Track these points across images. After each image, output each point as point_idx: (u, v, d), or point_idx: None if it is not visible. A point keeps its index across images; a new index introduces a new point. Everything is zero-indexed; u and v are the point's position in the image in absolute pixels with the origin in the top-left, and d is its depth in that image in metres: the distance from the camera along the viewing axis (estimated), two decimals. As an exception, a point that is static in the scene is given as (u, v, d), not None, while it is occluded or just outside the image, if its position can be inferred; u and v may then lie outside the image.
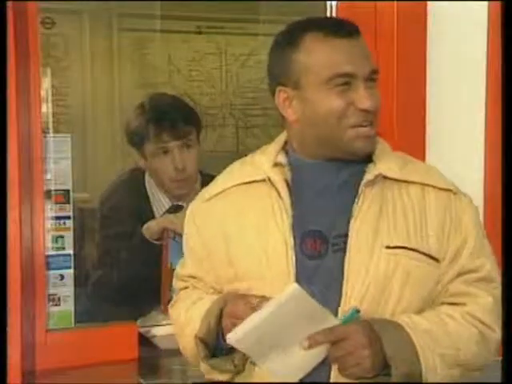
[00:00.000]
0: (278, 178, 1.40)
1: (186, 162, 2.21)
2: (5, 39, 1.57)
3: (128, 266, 2.21)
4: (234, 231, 1.41)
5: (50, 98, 1.92)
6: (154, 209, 2.29)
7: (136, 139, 2.26)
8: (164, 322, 2.10)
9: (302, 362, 1.30)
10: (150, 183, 2.30)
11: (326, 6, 2.09)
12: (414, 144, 1.93)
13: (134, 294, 2.15)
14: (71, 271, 1.90)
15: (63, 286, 1.88)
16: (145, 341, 2.01)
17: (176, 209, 2.28)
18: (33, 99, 1.77)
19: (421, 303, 1.37)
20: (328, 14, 2.08)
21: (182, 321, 1.47)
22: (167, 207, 2.29)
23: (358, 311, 1.31)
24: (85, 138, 4.03)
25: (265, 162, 1.43)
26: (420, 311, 1.37)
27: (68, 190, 1.89)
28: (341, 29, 1.36)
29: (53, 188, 1.87)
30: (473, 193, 1.49)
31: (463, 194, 1.45)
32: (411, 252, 1.36)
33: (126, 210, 2.27)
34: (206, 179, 2.34)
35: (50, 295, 1.86)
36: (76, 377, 1.80)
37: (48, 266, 1.85)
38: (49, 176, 1.86)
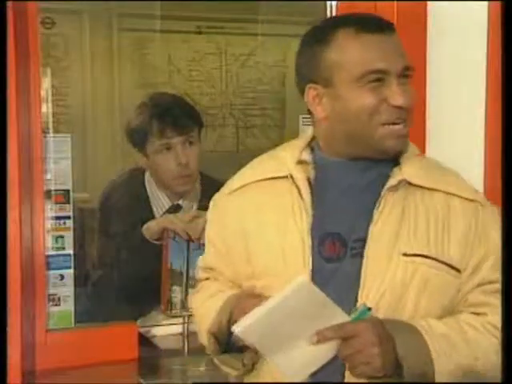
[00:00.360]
0: (300, 175, 1.39)
1: (189, 158, 2.22)
2: (5, 39, 1.57)
3: (128, 266, 2.22)
4: (252, 228, 1.40)
5: (50, 97, 1.92)
6: (154, 209, 2.30)
7: (138, 137, 2.26)
8: (164, 322, 2.10)
9: (311, 358, 1.29)
10: (149, 183, 2.30)
11: (325, 5, 2.09)
12: (414, 142, 1.93)
13: (134, 294, 2.15)
14: (71, 271, 1.89)
15: (63, 286, 1.88)
16: (145, 341, 2.01)
17: (176, 209, 2.29)
18: (33, 99, 1.77)
19: (440, 311, 1.35)
20: (328, 14, 2.08)
21: (200, 312, 1.48)
22: (167, 207, 2.29)
23: (369, 309, 1.30)
24: (85, 138, 4.03)
25: (289, 158, 1.42)
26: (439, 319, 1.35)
27: (68, 190, 1.90)
28: (372, 24, 1.34)
29: (53, 188, 1.87)
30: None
31: (491, 206, 1.42)
32: (430, 260, 1.34)
33: (126, 209, 2.27)
34: (206, 180, 2.36)
35: (49, 295, 1.86)
36: (76, 377, 1.80)
37: (48, 266, 1.85)
38: (49, 176, 1.86)
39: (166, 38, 4.33)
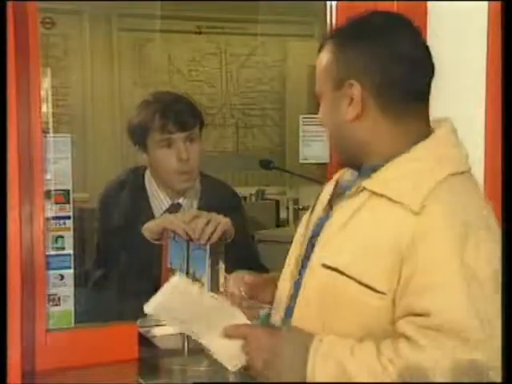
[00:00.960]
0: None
1: (190, 154, 2.22)
2: (5, 39, 1.56)
3: (128, 266, 2.21)
4: None
5: (49, 97, 1.91)
6: (154, 208, 2.29)
7: (139, 133, 2.26)
8: (164, 322, 2.09)
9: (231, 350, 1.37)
10: (150, 182, 2.30)
11: (325, 5, 2.09)
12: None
13: (134, 294, 2.14)
14: (71, 271, 1.89)
15: (63, 286, 1.88)
16: (145, 341, 2.01)
17: (176, 207, 2.29)
18: (33, 99, 1.77)
19: (359, 332, 1.27)
20: (328, 14, 2.07)
21: None
22: (167, 206, 2.29)
23: (267, 315, 1.42)
24: (85, 138, 4.04)
25: None
26: (360, 339, 1.27)
27: (68, 190, 1.89)
28: None
29: (53, 188, 1.86)
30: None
31: (437, 214, 1.23)
32: (345, 277, 1.28)
33: (125, 209, 2.27)
34: (206, 179, 2.36)
35: (50, 295, 1.86)
36: (76, 377, 1.79)
37: (48, 266, 1.84)
38: (49, 176, 1.85)
39: (166, 38, 4.34)
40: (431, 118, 1.44)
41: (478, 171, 2.08)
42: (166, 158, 2.22)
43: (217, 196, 2.37)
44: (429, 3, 2.01)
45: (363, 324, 1.28)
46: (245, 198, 4.09)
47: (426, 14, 2.01)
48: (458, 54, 2.08)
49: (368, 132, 1.35)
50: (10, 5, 1.59)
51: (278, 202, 4.37)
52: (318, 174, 2.55)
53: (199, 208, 2.30)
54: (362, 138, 1.36)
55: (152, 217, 2.25)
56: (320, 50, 1.42)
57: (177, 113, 2.23)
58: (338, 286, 1.29)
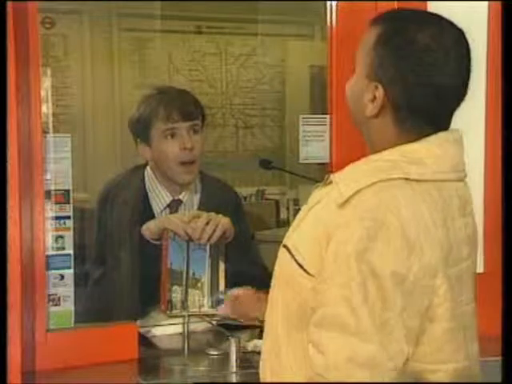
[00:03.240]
0: None
1: (194, 144, 2.24)
2: (5, 39, 1.57)
3: (128, 266, 2.21)
4: None
5: (49, 98, 1.91)
6: (154, 205, 2.30)
7: (143, 124, 2.26)
8: (164, 322, 2.10)
9: None
10: (150, 179, 2.31)
11: (325, 5, 2.09)
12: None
13: (134, 294, 2.14)
14: (71, 271, 1.89)
15: (63, 286, 1.88)
16: (145, 341, 2.01)
17: (177, 203, 2.29)
18: (33, 99, 1.77)
19: (296, 310, 1.32)
20: (328, 14, 2.07)
21: None
22: (168, 202, 2.29)
23: None
24: (85, 138, 4.04)
25: None
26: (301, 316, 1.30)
27: (68, 190, 1.89)
28: None
29: (53, 188, 1.86)
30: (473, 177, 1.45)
31: (353, 209, 1.25)
32: (289, 255, 1.34)
33: (124, 207, 2.27)
34: (205, 177, 2.37)
35: (50, 295, 1.86)
36: (76, 377, 1.79)
37: (48, 266, 1.84)
38: (49, 176, 1.85)
39: (166, 38, 4.34)
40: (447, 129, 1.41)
41: (478, 171, 2.09)
42: (169, 148, 2.23)
43: (217, 194, 2.38)
44: (429, 3, 2.01)
45: (301, 303, 1.31)
46: (245, 198, 4.08)
47: (426, 13, 2.01)
48: (458, 53, 2.07)
49: (377, 132, 1.36)
50: (9, 5, 1.59)
51: (277, 202, 4.37)
52: (318, 174, 2.55)
53: (199, 205, 2.30)
54: (371, 133, 1.37)
55: (152, 215, 2.26)
56: (372, 25, 1.36)
57: (181, 103, 2.26)
58: (285, 263, 1.35)
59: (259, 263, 2.36)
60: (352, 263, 1.20)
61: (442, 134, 1.35)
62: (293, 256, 1.32)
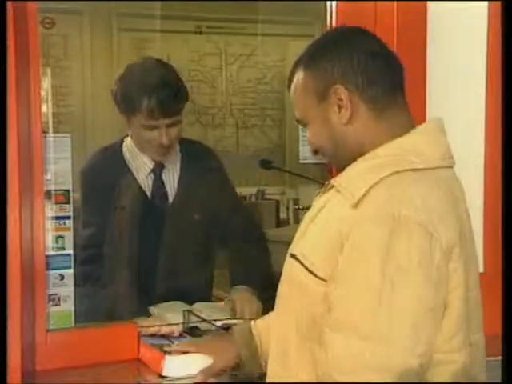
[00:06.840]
0: None
1: (172, 139, 2.23)
2: (5, 39, 1.57)
3: (128, 266, 2.21)
4: None
5: (49, 97, 1.91)
6: (136, 173, 2.30)
7: (124, 107, 2.24)
8: (164, 322, 2.09)
9: None
10: (130, 149, 2.31)
11: (325, 5, 2.09)
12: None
13: (134, 294, 2.14)
14: (71, 271, 1.89)
15: (63, 286, 1.88)
16: (145, 341, 2.01)
17: (160, 168, 2.31)
18: (33, 99, 1.77)
19: (307, 317, 1.32)
20: (328, 14, 2.07)
21: None
22: (151, 167, 2.31)
23: None
24: (85, 138, 4.03)
25: None
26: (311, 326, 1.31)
27: (68, 190, 1.89)
28: None
29: (53, 188, 1.87)
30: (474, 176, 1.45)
31: (368, 207, 1.25)
32: (298, 264, 1.34)
33: (107, 187, 2.27)
34: (185, 142, 2.36)
35: (50, 295, 1.86)
36: (76, 377, 1.79)
37: (48, 266, 1.84)
38: (49, 176, 1.85)
39: (166, 38, 4.33)
40: (428, 118, 1.45)
41: (478, 172, 2.09)
42: (147, 138, 2.23)
43: (198, 155, 2.40)
44: (429, 3, 2.01)
45: (312, 310, 1.30)
46: (245, 198, 4.09)
47: (425, 14, 2.01)
48: (458, 53, 2.08)
49: (361, 132, 1.37)
50: (9, 5, 1.59)
51: (278, 201, 4.37)
52: (318, 174, 2.55)
53: (181, 168, 2.33)
54: (356, 139, 1.38)
55: (135, 183, 2.28)
56: (290, 79, 1.44)
57: (163, 99, 2.17)
58: (294, 272, 1.35)
59: (250, 218, 2.51)
60: (375, 262, 1.18)
61: (430, 124, 1.40)
62: (301, 263, 1.32)
